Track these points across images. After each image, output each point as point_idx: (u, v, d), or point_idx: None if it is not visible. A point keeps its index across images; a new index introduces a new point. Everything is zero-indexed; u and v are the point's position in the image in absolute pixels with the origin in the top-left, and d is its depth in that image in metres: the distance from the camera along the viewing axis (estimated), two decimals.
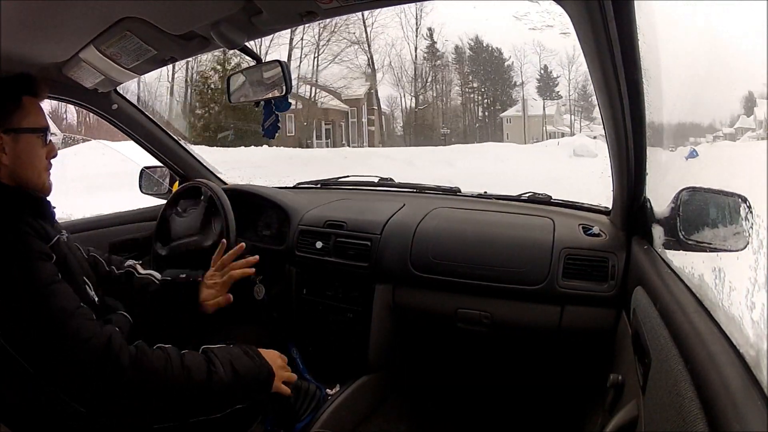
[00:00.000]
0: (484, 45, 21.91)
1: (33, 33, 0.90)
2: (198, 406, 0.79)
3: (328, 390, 1.26)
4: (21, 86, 0.85)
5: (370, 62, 20.40)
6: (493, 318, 1.14)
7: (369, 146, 19.18)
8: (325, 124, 19.29)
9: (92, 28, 0.90)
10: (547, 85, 22.47)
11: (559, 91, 22.74)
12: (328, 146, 18.48)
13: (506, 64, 22.25)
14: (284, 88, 1.00)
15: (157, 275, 1.09)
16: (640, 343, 0.69)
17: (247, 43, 0.92)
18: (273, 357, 0.92)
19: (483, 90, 22.76)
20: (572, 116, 22.79)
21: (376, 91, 21.34)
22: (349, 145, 18.47)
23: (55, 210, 0.89)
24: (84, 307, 0.76)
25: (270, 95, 1.04)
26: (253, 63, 1.03)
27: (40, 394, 0.74)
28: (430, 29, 21.32)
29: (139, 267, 1.10)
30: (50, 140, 0.88)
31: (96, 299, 0.87)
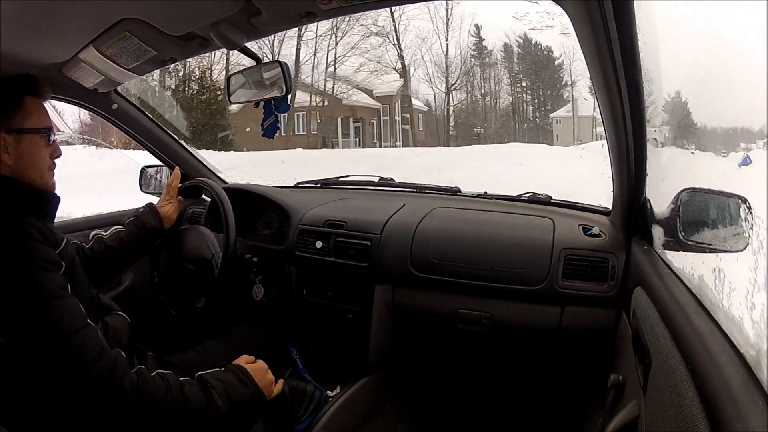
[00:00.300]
0: (533, 42, 20.45)
1: (33, 33, 0.90)
2: (194, 430, 0.81)
3: (328, 392, 1.26)
4: (22, 86, 0.84)
5: (400, 56, 18.92)
6: (493, 318, 1.14)
7: (404, 146, 18.10)
8: (354, 121, 17.91)
9: (92, 28, 0.90)
10: None
11: None
12: (356, 146, 17.52)
13: (556, 62, 20.69)
14: (284, 88, 1.00)
15: (119, 226, 1.18)
16: (641, 343, 0.69)
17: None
18: (261, 375, 0.92)
19: (528, 87, 21.29)
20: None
21: (410, 87, 19.65)
22: (380, 145, 17.52)
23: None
24: (90, 326, 0.75)
25: (270, 95, 1.04)
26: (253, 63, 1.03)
27: (40, 395, 0.74)
28: (477, 26, 19.80)
29: (102, 232, 1.17)
30: (54, 140, 0.88)
31: (94, 295, 0.88)
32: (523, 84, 21.52)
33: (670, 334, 0.57)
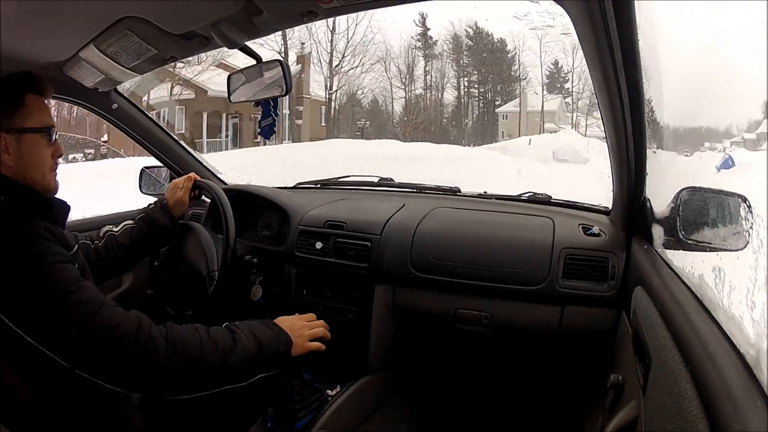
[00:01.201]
0: (483, 32, 19.86)
1: (33, 32, 0.90)
2: (226, 373, 0.81)
3: (328, 391, 1.26)
4: (23, 84, 0.83)
5: (284, 40, 16.62)
6: (493, 318, 1.14)
7: (294, 143, 16.10)
8: (231, 117, 15.53)
9: (92, 27, 0.90)
10: (554, 79, 20.82)
11: (567, 86, 20.76)
12: (230, 146, 15.21)
13: (507, 54, 20.28)
14: (284, 88, 1.00)
15: (130, 221, 1.16)
16: (640, 343, 0.69)
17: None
18: (291, 324, 0.92)
19: (475, 80, 20.39)
20: (576, 113, 20.84)
21: (310, 75, 17.44)
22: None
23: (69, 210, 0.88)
24: (109, 299, 0.76)
25: (270, 95, 1.04)
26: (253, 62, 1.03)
27: (40, 395, 0.75)
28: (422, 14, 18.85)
29: (113, 227, 1.15)
30: (56, 139, 0.86)
31: None
32: (472, 78, 20.92)
33: (670, 334, 0.58)
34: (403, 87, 20.42)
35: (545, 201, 1.36)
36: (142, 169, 1.68)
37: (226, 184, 1.67)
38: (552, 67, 20.80)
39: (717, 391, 0.42)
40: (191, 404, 1.07)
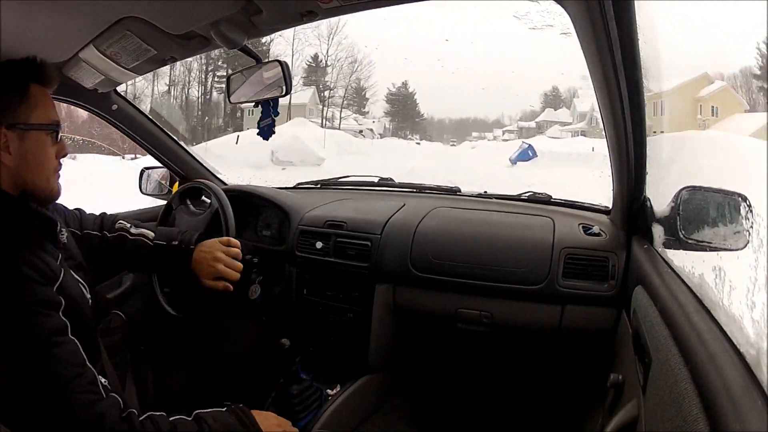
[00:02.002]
0: None
1: (33, 32, 0.90)
2: None
3: (328, 390, 1.26)
4: (27, 73, 0.75)
5: None
6: (493, 318, 1.14)
7: None
8: None
9: (92, 27, 0.89)
10: (311, 71, 19.59)
11: (326, 79, 19.64)
12: None
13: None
14: (284, 88, 1.00)
15: (150, 234, 1.07)
16: (641, 342, 0.69)
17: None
18: (267, 422, 0.84)
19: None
20: (327, 106, 19.60)
21: None
22: None
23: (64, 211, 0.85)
24: (87, 371, 0.69)
25: (269, 95, 1.04)
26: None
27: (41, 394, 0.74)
28: None
29: (131, 227, 1.07)
30: (61, 137, 0.78)
31: (90, 299, 0.82)
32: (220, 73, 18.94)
33: (670, 334, 0.58)
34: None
35: (545, 200, 1.36)
36: (143, 170, 1.68)
37: (226, 184, 1.67)
38: (310, 59, 19.87)
39: (717, 390, 0.42)
40: (191, 403, 1.07)
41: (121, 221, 1.08)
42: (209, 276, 1.04)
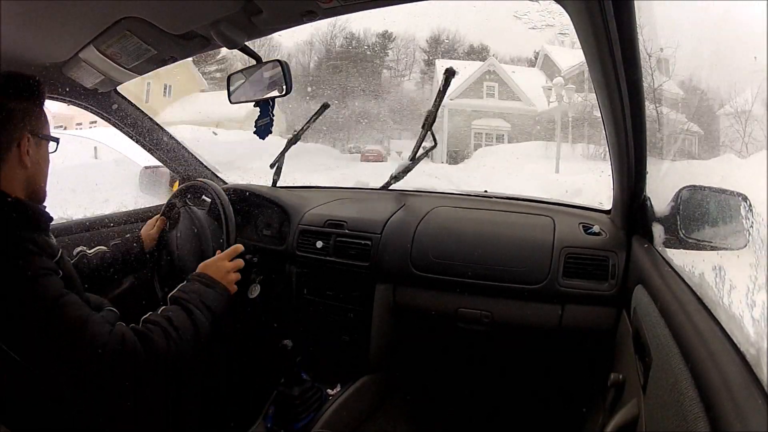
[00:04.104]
0: None
1: (33, 33, 0.90)
2: (197, 346, 0.87)
3: (328, 390, 1.26)
4: (37, 88, 0.83)
5: None
6: (493, 317, 1.14)
7: None
8: None
9: (92, 27, 0.90)
10: None
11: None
12: None
13: None
14: (284, 88, 1.00)
15: (105, 248, 1.19)
16: (641, 341, 0.69)
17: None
18: (217, 269, 1.00)
19: None
20: None
21: None
22: None
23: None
24: (94, 313, 0.77)
25: (269, 95, 1.04)
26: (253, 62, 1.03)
27: (41, 394, 0.75)
28: None
29: (87, 250, 1.17)
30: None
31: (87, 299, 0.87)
32: None
33: (671, 333, 0.58)
34: None
35: (545, 200, 1.37)
36: (142, 169, 1.68)
37: (226, 183, 1.67)
38: None
39: (717, 389, 0.42)
40: (191, 404, 1.08)
41: (78, 248, 1.19)
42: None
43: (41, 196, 0.85)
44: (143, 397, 0.96)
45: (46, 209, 0.85)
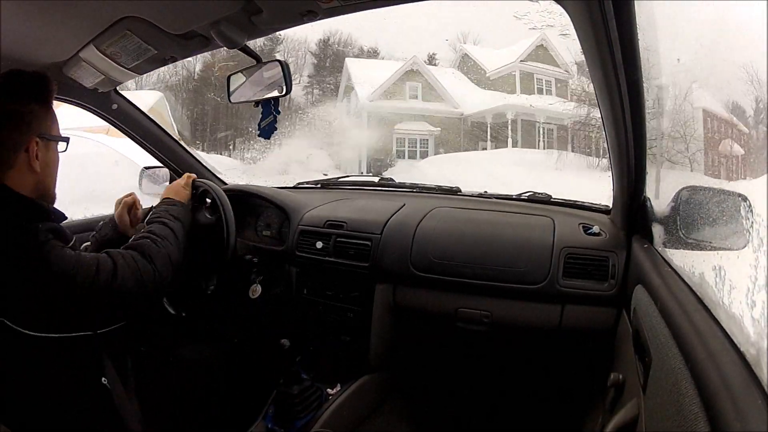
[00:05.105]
0: None
1: (33, 33, 0.90)
2: (177, 250, 0.95)
3: (328, 390, 1.26)
4: (46, 87, 0.81)
5: None
6: (493, 317, 1.14)
7: None
8: None
9: (92, 27, 0.90)
10: None
11: None
12: None
13: None
14: (284, 88, 1.00)
15: (87, 243, 1.17)
16: (641, 341, 0.69)
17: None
18: (177, 189, 1.12)
19: None
20: None
21: None
22: None
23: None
24: (99, 255, 0.80)
25: (270, 95, 1.04)
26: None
27: (41, 394, 0.75)
28: None
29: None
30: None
31: None
32: None
33: (671, 333, 0.58)
34: None
35: (545, 200, 1.37)
36: (142, 169, 1.68)
37: (226, 183, 1.67)
38: None
39: (717, 389, 0.42)
40: (191, 403, 1.08)
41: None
42: (118, 214, 1.15)
43: (51, 199, 0.84)
44: (143, 397, 0.96)
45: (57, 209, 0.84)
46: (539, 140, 13.92)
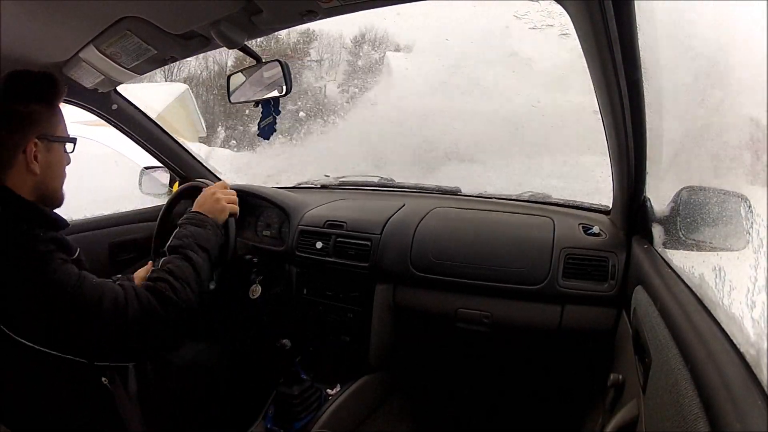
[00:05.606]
0: None
1: (33, 33, 0.90)
2: (202, 286, 0.88)
3: (328, 390, 1.26)
4: (52, 87, 0.80)
5: None
6: (493, 318, 1.14)
7: None
8: None
9: (92, 27, 0.89)
10: None
11: None
12: None
13: None
14: (284, 88, 1.00)
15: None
16: (641, 342, 0.69)
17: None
18: (212, 203, 1.00)
19: None
20: None
21: None
22: None
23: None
24: (107, 281, 0.77)
25: (269, 95, 1.04)
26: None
27: (41, 394, 0.75)
28: None
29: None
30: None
31: None
32: None
33: (670, 333, 0.57)
34: None
35: (545, 201, 1.37)
36: (143, 169, 1.68)
37: None
38: None
39: (717, 390, 0.42)
40: (191, 403, 1.07)
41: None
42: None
43: (56, 201, 0.83)
44: (143, 397, 0.96)
45: (59, 215, 0.82)
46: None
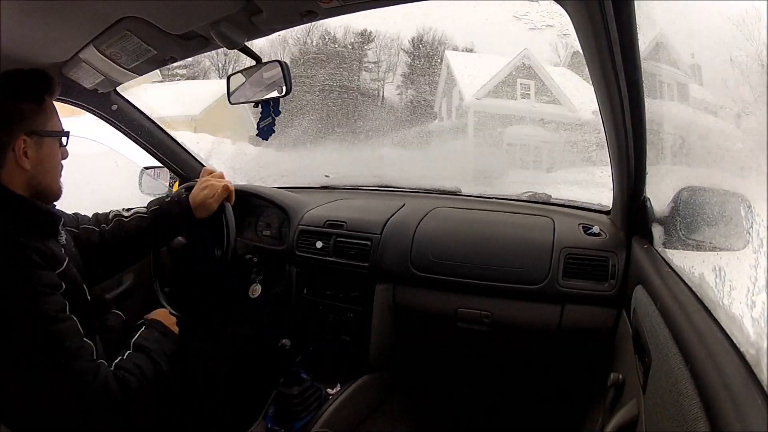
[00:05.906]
0: None
1: (33, 33, 0.90)
2: (153, 393, 0.85)
3: (328, 389, 1.26)
4: (43, 85, 0.81)
5: None
6: (493, 317, 1.14)
7: None
8: None
9: (92, 27, 0.89)
10: None
11: None
12: None
13: None
14: (284, 88, 1.00)
15: (143, 209, 1.12)
16: (641, 342, 0.69)
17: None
18: (170, 322, 0.99)
19: None
20: None
21: None
22: None
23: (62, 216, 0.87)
24: (86, 344, 0.76)
25: (269, 96, 1.04)
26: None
27: (41, 394, 0.75)
28: None
29: (123, 211, 1.12)
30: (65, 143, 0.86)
31: (89, 298, 0.87)
32: None
33: (671, 333, 0.58)
34: None
35: (545, 201, 1.37)
36: (143, 169, 1.68)
37: None
38: None
39: (717, 390, 0.42)
40: (192, 403, 1.08)
41: (113, 210, 1.12)
42: (213, 201, 1.12)
43: (50, 196, 0.83)
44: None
45: (52, 209, 0.83)
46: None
